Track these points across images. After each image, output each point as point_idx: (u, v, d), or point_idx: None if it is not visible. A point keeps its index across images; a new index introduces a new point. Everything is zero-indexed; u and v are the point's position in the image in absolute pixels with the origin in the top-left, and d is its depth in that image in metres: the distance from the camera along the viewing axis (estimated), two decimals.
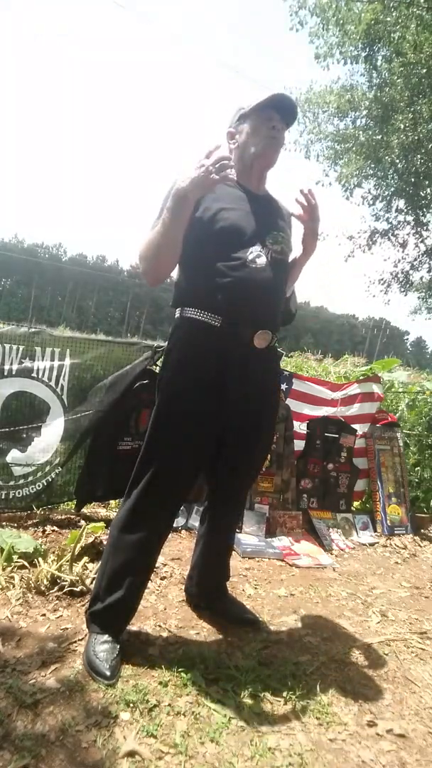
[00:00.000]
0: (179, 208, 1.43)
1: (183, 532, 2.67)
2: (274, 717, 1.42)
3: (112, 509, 2.80)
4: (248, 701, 1.45)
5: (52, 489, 2.57)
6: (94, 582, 1.88)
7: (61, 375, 2.54)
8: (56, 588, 1.86)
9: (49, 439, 2.53)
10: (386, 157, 10.58)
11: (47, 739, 1.21)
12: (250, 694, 1.48)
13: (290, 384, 3.19)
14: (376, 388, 3.49)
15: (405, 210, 12.22)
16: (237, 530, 2.75)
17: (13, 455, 2.47)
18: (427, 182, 10.85)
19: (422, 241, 12.60)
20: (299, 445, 3.15)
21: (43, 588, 1.86)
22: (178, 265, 1.58)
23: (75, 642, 1.60)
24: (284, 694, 1.51)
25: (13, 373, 2.44)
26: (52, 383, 2.52)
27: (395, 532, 3.24)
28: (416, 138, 9.78)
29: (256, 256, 1.50)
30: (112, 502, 2.83)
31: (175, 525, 2.67)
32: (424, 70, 8.77)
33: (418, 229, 12.40)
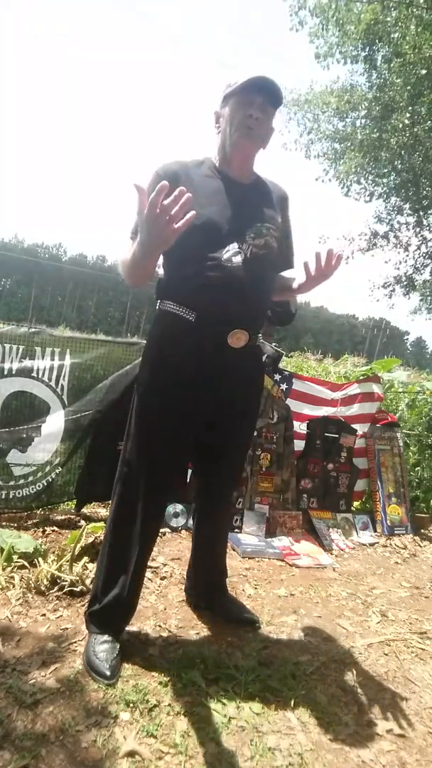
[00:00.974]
0: (146, 260, 1.31)
1: (183, 532, 2.67)
2: (274, 717, 1.42)
3: None
4: (248, 701, 1.45)
5: (52, 489, 2.57)
6: (92, 582, 1.88)
7: (61, 375, 2.54)
8: (56, 588, 1.86)
9: (49, 438, 2.53)
10: (385, 155, 10.59)
11: (47, 739, 1.21)
12: (250, 694, 1.48)
13: (290, 384, 3.19)
14: (376, 388, 3.49)
15: (405, 211, 12.21)
16: (237, 530, 2.75)
17: (13, 455, 2.47)
18: (427, 182, 10.84)
19: (424, 243, 12.59)
20: (299, 445, 3.15)
21: (43, 588, 1.86)
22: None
23: (75, 642, 1.60)
24: (284, 694, 1.51)
25: (13, 372, 2.44)
26: (52, 383, 2.52)
27: (395, 532, 3.24)
28: (415, 137, 9.79)
29: (233, 254, 1.43)
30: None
31: (175, 525, 2.67)
32: (424, 71, 8.76)
33: (419, 230, 12.40)
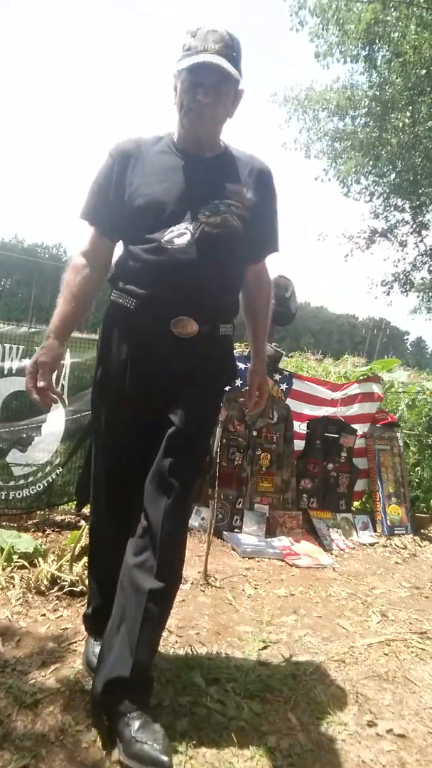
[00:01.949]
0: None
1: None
2: (274, 717, 1.41)
3: None
4: (248, 701, 1.45)
5: (53, 489, 2.57)
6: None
7: (62, 375, 2.54)
8: (56, 588, 1.87)
9: (49, 438, 2.53)
10: (384, 155, 10.59)
11: (47, 739, 1.21)
12: (250, 694, 1.48)
13: (290, 384, 3.19)
14: (376, 388, 3.49)
15: (403, 208, 12.23)
16: (237, 530, 2.75)
17: (14, 455, 2.47)
18: (426, 182, 10.85)
19: (422, 241, 12.60)
20: (299, 445, 3.15)
21: (43, 588, 1.86)
22: None
23: (75, 642, 1.60)
24: (284, 694, 1.51)
25: (13, 372, 2.45)
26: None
27: (395, 532, 3.24)
28: (415, 137, 9.79)
29: (177, 235, 1.28)
30: None
31: None
32: (424, 71, 8.77)
33: (418, 228, 12.41)
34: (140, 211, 1.30)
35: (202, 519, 2.72)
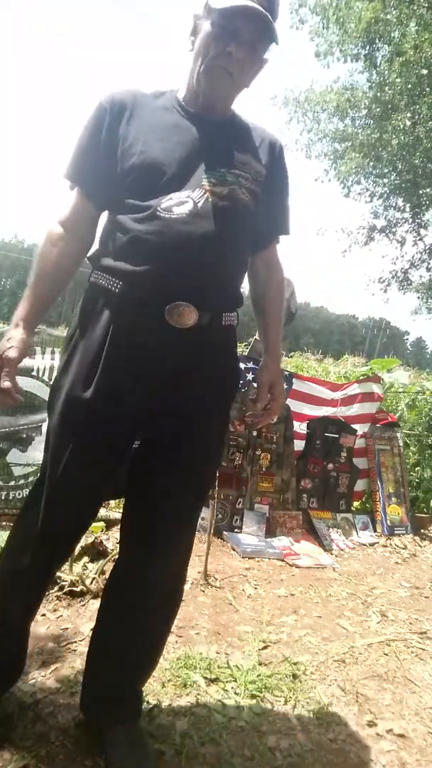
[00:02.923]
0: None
1: None
2: (274, 717, 1.42)
3: (112, 509, 2.80)
4: (248, 701, 1.45)
5: None
6: (94, 583, 1.88)
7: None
8: (56, 588, 1.86)
9: None
10: (385, 155, 10.60)
11: (47, 739, 1.21)
12: (250, 694, 1.48)
13: (290, 384, 3.19)
14: (376, 388, 3.49)
15: (403, 208, 12.24)
16: (237, 530, 2.75)
17: (14, 455, 2.46)
18: (426, 182, 10.85)
19: (420, 239, 12.62)
20: (299, 445, 3.15)
21: None
22: None
23: (75, 642, 1.60)
24: (284, 694, 1.51)
25: None
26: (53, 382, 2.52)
27: (395, 532, 3.24)
28: (416, 138, 9.79)
29: (177, 203, 1.05)
30: (112, 503, 2.82)
31: None
32: (425, 70, 8.76)
33: (417, 227, 12.42)
34: (133, 171, 1.07)
35: (202, 519, 2.72)
